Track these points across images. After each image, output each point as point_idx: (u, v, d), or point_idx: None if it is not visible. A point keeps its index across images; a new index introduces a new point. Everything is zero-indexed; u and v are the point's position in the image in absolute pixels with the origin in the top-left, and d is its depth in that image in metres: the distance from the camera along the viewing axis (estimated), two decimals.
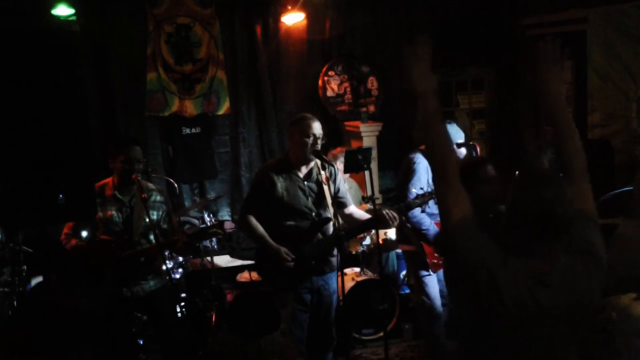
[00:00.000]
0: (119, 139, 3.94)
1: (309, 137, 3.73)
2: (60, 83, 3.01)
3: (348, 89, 7.08)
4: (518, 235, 1.89)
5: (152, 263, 3.93)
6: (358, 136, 6.52)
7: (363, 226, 4.04)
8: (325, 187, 3.84)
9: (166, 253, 4.77)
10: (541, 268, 1.84)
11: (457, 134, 4.32)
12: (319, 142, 3.77)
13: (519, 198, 1.89)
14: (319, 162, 3.83)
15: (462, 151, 4.34)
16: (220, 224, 3.90)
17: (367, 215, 4.06)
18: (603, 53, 5.64)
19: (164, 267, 4.26)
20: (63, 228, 3.93)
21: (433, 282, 4.36)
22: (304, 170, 3.87)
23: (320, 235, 3.87)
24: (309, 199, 3.86)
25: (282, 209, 3.80)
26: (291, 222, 3.82)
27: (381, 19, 7.11)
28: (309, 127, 3.73)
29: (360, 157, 3.86)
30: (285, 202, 3.79)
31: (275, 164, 3.93)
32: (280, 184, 3.79)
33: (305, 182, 3.86)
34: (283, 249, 3.76)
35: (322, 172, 3.85)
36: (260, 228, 3.82)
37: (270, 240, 3.79)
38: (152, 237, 3.88)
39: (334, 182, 3.97)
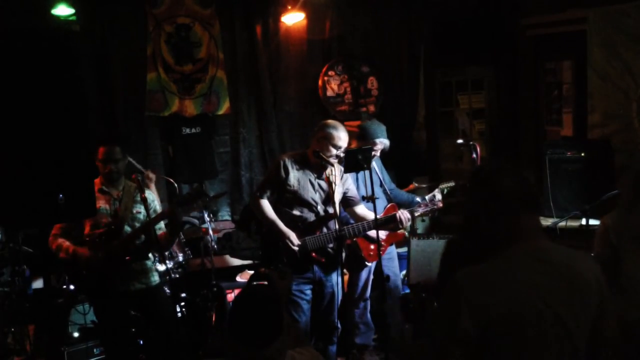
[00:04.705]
0: (98, 141, 3.98)
1: (335, 148, 3.97)
2: (60, 83, 3.01)
3: (348, 89, 7.08)
4: None
5: (143, 252, 3.97)
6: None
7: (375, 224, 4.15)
8: (335, 187, 4.04)
9: (166, 253, 4.77)
10: None
11: (378, 129, 4.61)
12: (341, 152, 4.00)
13: None
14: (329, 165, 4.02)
15: (386, 142, 4.63)
16: (199, 187, 3.92)
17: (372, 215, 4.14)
18: (603, 53, 5.63)
19: (162, 267, 4.27)
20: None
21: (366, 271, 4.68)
22: (318, 169, 4.08)
23: (325, 229, 4.10)
24: (317, 193, 4.10)
25: (291, 197, 4.05)
26: (297, 212, 4.07)
27: (381, 19, 7.11)
28: (338, 139, 3.97)
29: (360, 157, 3.89)
30: (295, 191, 4.03)
31: (294, 155, 4.17)
32: (293, 173, 4.03)
33: (317, 180, 4.09)
34: (292, 234, 4.00)
35: (324, 173, 4.04)
36: (271, 212, 4.06)
37: (281, 224, 4.02)
38: None
39: (344, 183, 4.22)
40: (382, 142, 4.61)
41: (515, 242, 1.91)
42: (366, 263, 4.56)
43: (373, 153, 4.60)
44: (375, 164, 4.79)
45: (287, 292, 2.94)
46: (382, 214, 4.52)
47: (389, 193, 4.78)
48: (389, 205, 4.63)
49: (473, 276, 1.90)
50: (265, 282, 2.57)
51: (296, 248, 4.00)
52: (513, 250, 1.90)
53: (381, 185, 4.77)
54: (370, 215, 4.20)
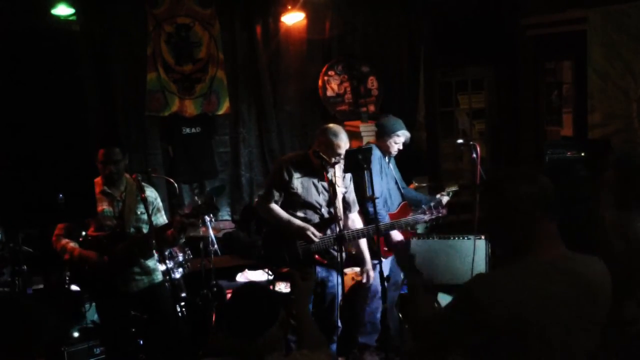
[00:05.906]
0: (99, 141, 3.95)
1: (334, 156, 3.97)
2: (60, 83, 3.01)
3: (348, 89, 7.08)
4: None
5: (145, 253, 3.96)
6: (358, 136, 6.51)
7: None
8: (338, 189, 4.06)
9: (166, 252, 4.77)
10: None
11: (396, 122, 4.65)
12: (340, 159, 4.01)
13: None
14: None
15: (407, 134, 4.64)
16: (210, 199, 3.89)
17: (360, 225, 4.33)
18: (603, 53, 5.64)
19: (162, 267, 4.27)
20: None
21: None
22: (319, 170, 4.07)
23: (328, 231, 4.14)
24: (321, 195, 4.13)
25: (295, 200, 4.09)
26: (301, 214, 4.11)
27: (381, 19, 7.11)
28: (337, 146, 3.97)
29: (360, 157, 3.89)
30: (299, 194, 4.07)
31: (295, 158, 4.19)
32: (296, 176, 4.06)
33: (320, 182, 4.11)
34: (311, 227, 4.05)
35: (325, 174, 4.02)
36: (283, 212, 4.09)
37: (297, 221, 4.07)
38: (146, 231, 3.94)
39: (344, 182, 4.23)
40: (404, 134, 4.64)
41: (532, 249, 1.89)
42: (381, 259, 4.55)
43: (397, 146, 4.63)
44: (390, 162, 4.79)
45: (309, 293, 2.95)
46: (396, 211, 4.55)
47: (402, 190, 4.79)
48: (402, 203, 4.63)
49: (484, 280, 1.92)
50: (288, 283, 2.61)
51: (317, 239, 4.05)
52: (529, 258, 1.88)
53: (396, 182, 4.77)
54: (354, 226, 4.30)
